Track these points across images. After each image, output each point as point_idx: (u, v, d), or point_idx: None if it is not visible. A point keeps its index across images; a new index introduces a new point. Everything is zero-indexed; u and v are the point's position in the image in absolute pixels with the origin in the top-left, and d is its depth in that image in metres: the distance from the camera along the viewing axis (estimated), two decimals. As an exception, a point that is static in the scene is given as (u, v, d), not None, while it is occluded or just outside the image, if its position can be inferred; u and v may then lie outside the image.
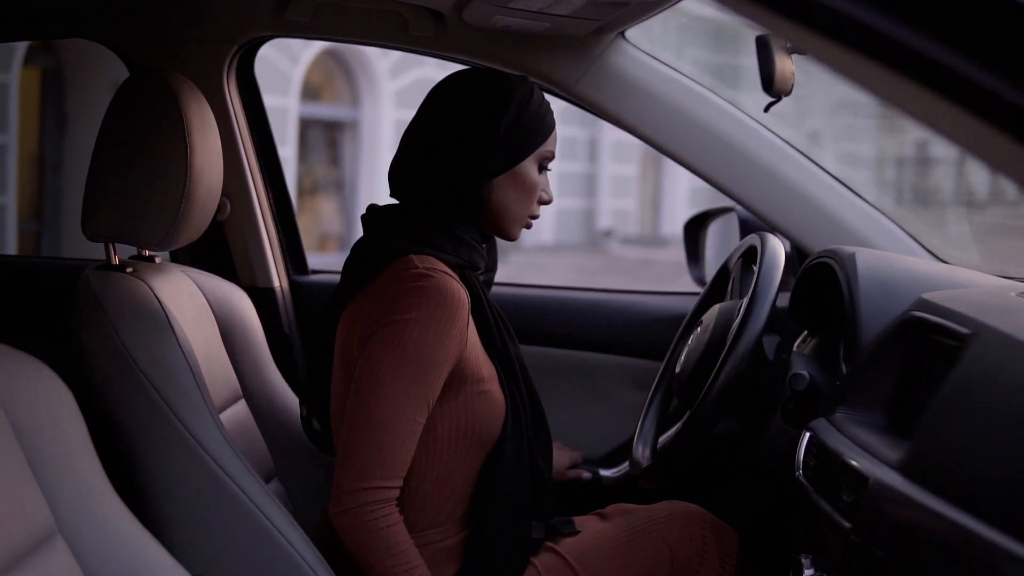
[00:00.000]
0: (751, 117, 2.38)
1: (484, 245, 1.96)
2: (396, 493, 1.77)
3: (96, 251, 2.03)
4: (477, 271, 1.93)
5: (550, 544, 1.94)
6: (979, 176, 17.45)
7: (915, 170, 20.13)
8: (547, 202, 1.96)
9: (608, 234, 20.70)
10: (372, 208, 1.96)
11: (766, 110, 2.09)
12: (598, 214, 20.92)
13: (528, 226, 1.96)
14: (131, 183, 1.90)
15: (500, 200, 1.90)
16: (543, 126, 1.93)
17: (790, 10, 0.91)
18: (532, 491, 1.91)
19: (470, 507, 1.90)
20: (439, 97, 1.93)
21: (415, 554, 1.77)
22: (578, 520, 2.01)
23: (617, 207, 21.32)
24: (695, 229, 2.80)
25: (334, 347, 1.93)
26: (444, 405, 1.82)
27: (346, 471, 1.76)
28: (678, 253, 2.93)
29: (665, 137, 2.37)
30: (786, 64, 1.92)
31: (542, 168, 1.94)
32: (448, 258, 1.84)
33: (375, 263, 1.86)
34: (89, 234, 1.94)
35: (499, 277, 2.10)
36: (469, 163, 1.87)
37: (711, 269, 2.70)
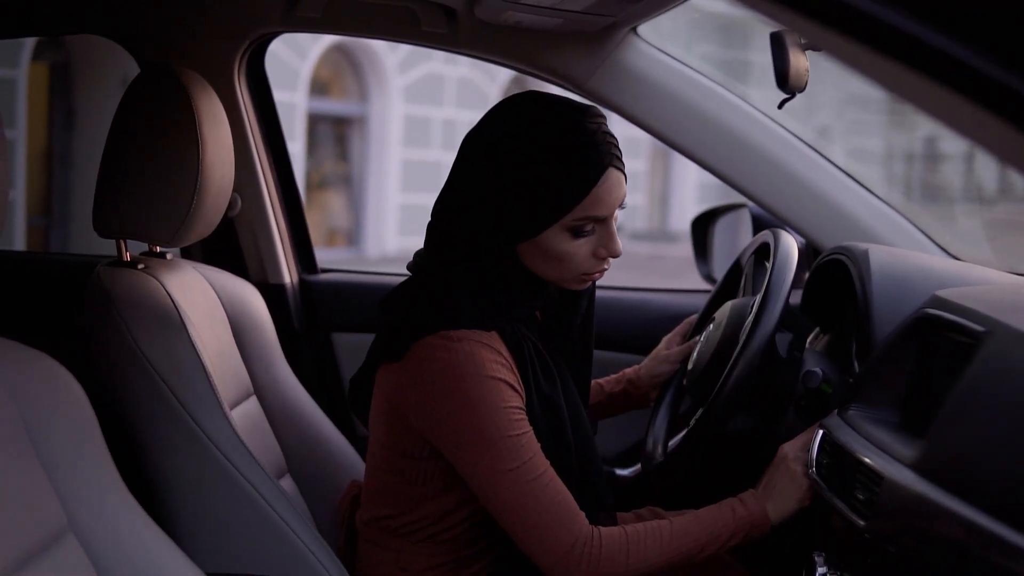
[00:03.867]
0: (763, 113, 2.37)
1: (535, 284, 1.79)
2: (586, 526, 1.69)
3: (105, 246, 2.02)
4: (522, 322, 1.79)
5: None
6: (988, 172, 17.42)
7: (924, 166, 20.09)
8: (608, 257, 1.74)
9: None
10: (414, 261, 1.83)
11: (780, 106, 2.08)
12: (606, 210, 20.88)
13: (590, 280, 1.77)
14: (143, 179, 1.90)
15: (532, 264, 1.74)
16: (572, 187, 1.66)
17: (806, 6, 0.91)
18: None
19: (492, 527, 1.80)
20: (471, 143, 1.74)
21: (662, 530, 1.71)
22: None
23: (626, 202, 21.28)
24: (703, 226, 2.80)
25: (371, 399, 1.87)
26: None
27: (538, 556, 1.69)
28: (687, 249, 2.93)
29: (677, 133, 2.36)
30: (800, 60, 1.91)
31: (579, 234, 1.70)
32: (477, 325, 1.71)
33: (401, 344, 1.74)
34: (100, 230, 1.94)
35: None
36: (483, 229, 1.71)
37: (719, 266, 2.70)
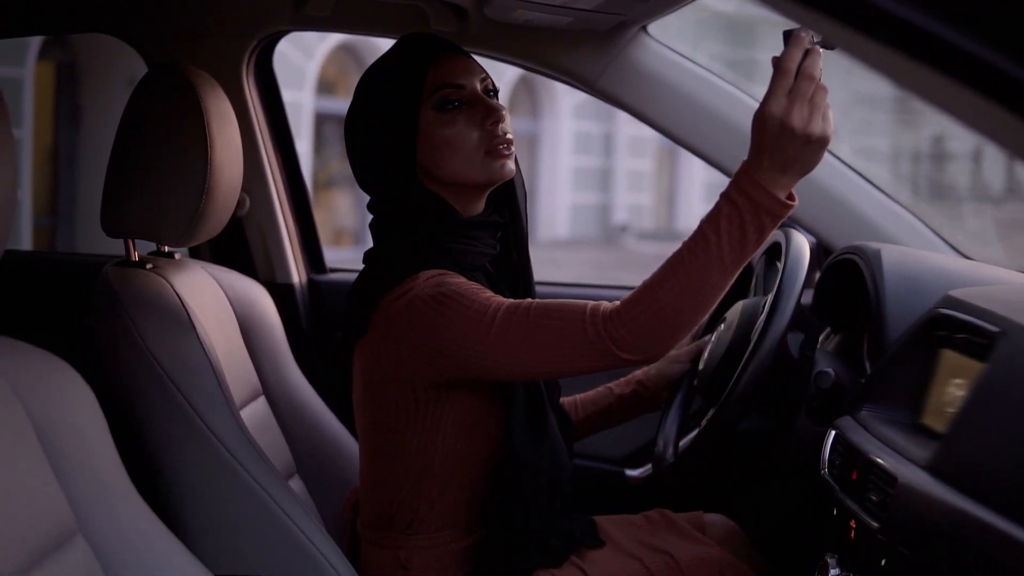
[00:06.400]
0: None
1: (485, 229, 1.83)
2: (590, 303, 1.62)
3: (113, 247, 2.02)
4: (477, 266, 1.83)
5: (577, 562, 1.88)
6: (995, 171, 17.39)
7: (931, 165, 20.07)
8: (494, 122, 1.76)
9: (624, 229, 20.68)
10: (364, 256, 1.89)
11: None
12: (613, 209, 20.91)
13: (497, 155, 1.76)
14: (151, 179, 1.89)
15: (440, 174, 1.78)
16: (407, 80, 1.77)
17: (826, 4, 0.90)
18: (549, 484, 1.83)
19: (483, 509, 1.85)
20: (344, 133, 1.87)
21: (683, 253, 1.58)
22: (605, 519, 2.00)
23: (632, 202, 21.29)
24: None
25: (352, 379, 1.88)
26: (444, 410, 1.76)
27: (578, 355, 1.61)
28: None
29: (687, 131, 2.36)
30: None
31: (446, 105, 1.76)
32: (431, 267, 1.76)
33: (366, 310, 1.77)
34: (109, 230, 1.93)
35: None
36: (379, 165, 1.80)
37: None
